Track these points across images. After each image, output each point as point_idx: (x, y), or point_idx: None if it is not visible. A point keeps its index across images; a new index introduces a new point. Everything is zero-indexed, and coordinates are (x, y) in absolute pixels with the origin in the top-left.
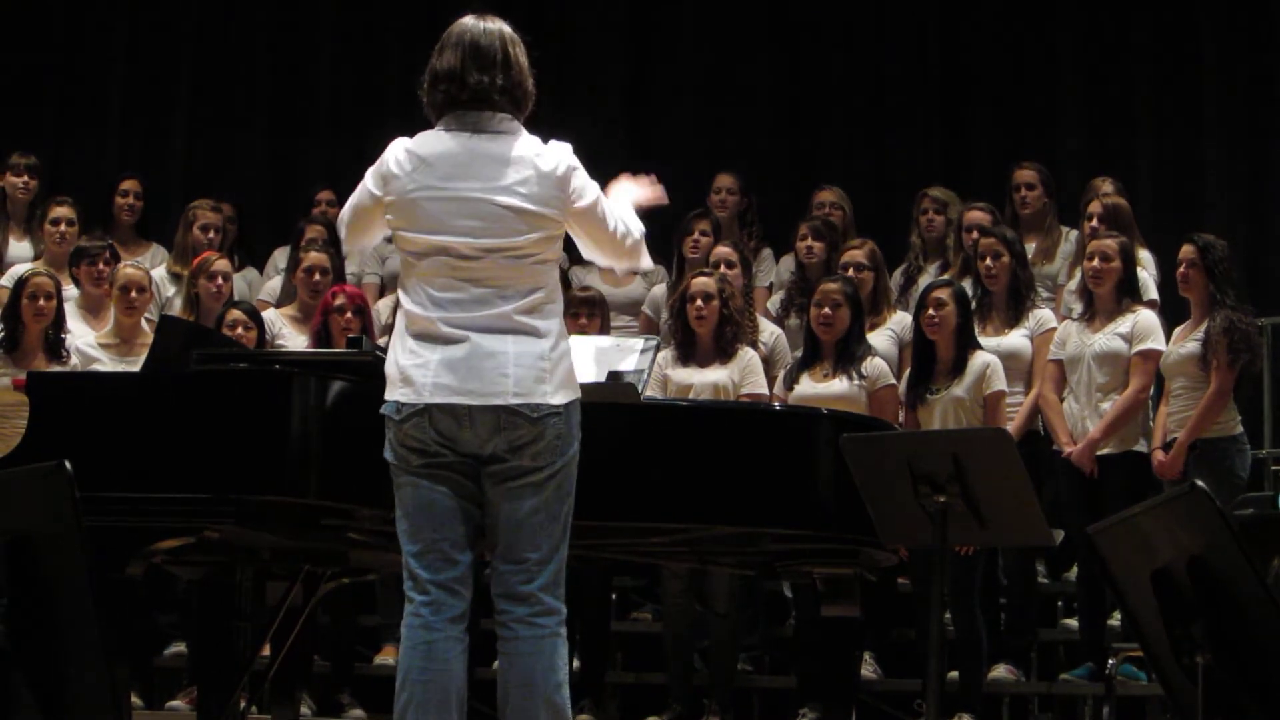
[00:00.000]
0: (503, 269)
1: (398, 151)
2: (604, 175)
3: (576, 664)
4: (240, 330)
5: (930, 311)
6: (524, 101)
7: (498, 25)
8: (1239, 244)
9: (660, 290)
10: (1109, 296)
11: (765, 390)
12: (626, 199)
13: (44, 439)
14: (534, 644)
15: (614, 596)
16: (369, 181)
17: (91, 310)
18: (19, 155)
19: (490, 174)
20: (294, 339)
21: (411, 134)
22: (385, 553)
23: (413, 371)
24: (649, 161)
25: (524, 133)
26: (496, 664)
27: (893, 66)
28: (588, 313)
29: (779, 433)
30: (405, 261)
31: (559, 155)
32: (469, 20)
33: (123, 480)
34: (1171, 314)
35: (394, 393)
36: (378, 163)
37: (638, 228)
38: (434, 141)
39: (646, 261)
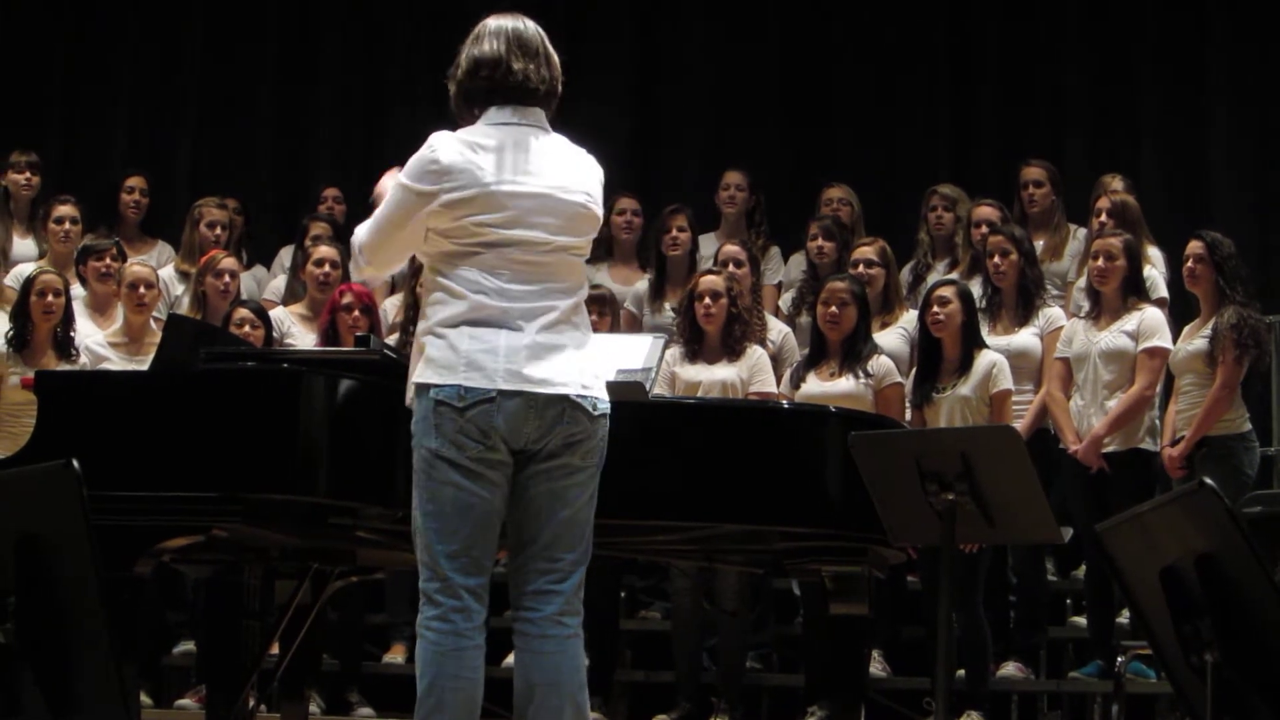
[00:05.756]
0: (565, 266)
1: (455, 144)
2: (613, 172)
3: (585, 662)
4: (247, 329)
5: (935, 310)
6: (554, 101)
7: (534, 24)
8: (1248, 241)
9: (642, 286)
10: (1114, 295)
11: (773, 388)
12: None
13: (52, 438)
14: (560, 643)
15: (623, 595)
16: (412, 182)
17: (99, 309)
18: (20, 153)
19: (556, 171)
20: (304, 337)
21: (417, 131)
22: (394, 551)
23: (480, 357)
24: (657, 158)
25: (557, 134)
26: (507, 662)
27: (901, 63)
28: (598, 310)
29: (787, 431)
30: (464, 251)
31: (592, 160)
32: (503, 15)
33: (131, 479)
34: (1182, 312)
35: (453, 378)
36: (418, 163)
37: None
38: (494, 134)
39: None
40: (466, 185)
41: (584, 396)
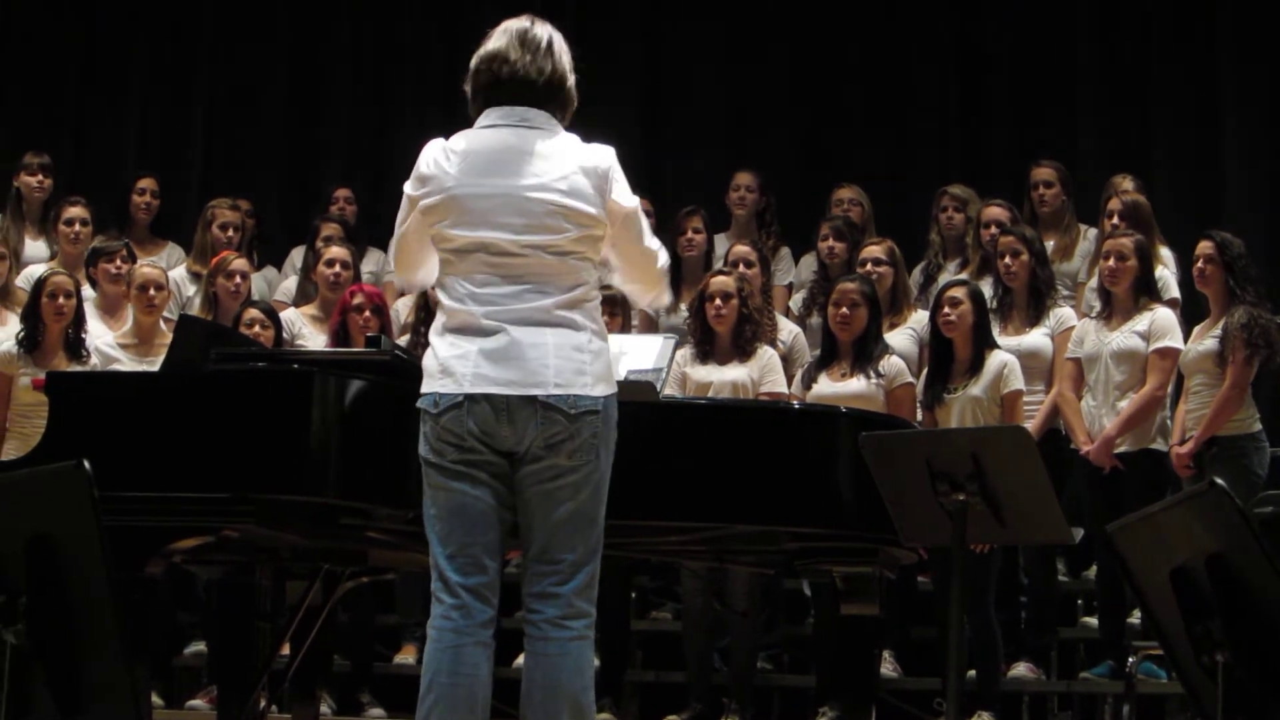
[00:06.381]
0: (545, 265)
1: (434, 151)
2: (624, 173)
3: (596, 663)
4: (257, 329)
5: (946, 310)
6: (564, 100)
7: (549, 26)
8: (1258, 241)
9: None
10: (1126, 295)
11: (784, 389)
12: None
13: (63, 438)
14: (562, 645)
15: (633, 595)
16: (406, 189)
17: (109, 310)
18: (33, 154)
19: (532, 170)
20: (314, 338)
21: (428, 130)
22: (404, 552)
23: (453, 363)
24: (668, 159)
25: (562, 130)
26: (517, 662)
27: (911, 64)
28: (609, 310)
29: (798, 431)
30: (444, 259)
31: (601, 154)
32: (520, 18)
33: (142, 479)
34: (1194, 313)
35: (432, 385)
36: (413, 171)
37: (666, 258)
38: (475, 137)
39: (668, 295)
40: (434, 191)
41: (558, 396)
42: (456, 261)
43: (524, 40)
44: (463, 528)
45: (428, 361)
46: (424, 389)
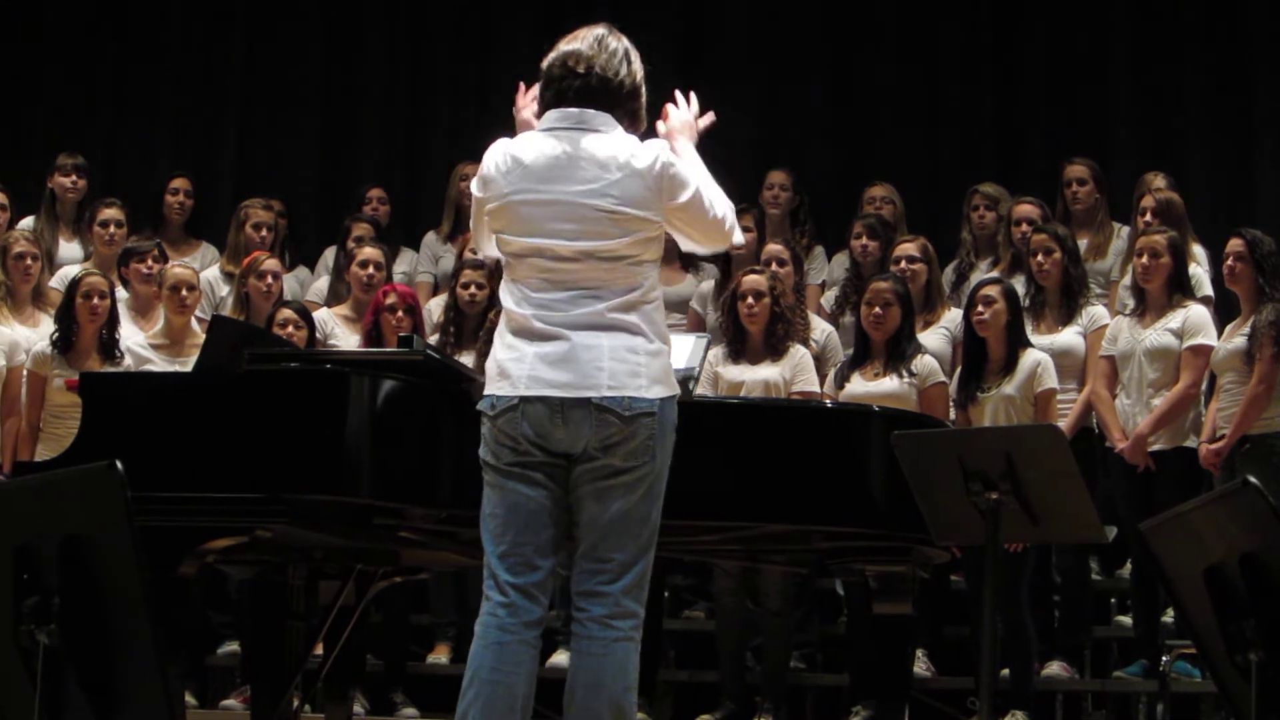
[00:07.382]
0: (599, 271)
1: (496, 155)
2: None
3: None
4: (291, 329)
5: (980, 309)
6: (633, 110)
7: (625, 39)
8: None
9: (708, 286)
10: (1159, 292)
11: (816, 388)
12: (688, 140)
13: (96, 439)
14: (606, 645)
15: (666, 595)
16: (473, 187)
17: (140, 311)
18: (66, 156)
19: (586, 176)
20: (347, 339)
21: (460, 130)
22: (437, 551)
23: (510, 366)
24: (701, 158)
25: (621, 133)
26: (552, 660)
27: (944, 62)
28: None
29: (831, 430)
30: (506, 263)
31: (653, 153)
32: (595, 25)
33: (175, 480)
34: (1227, 310)
35: (490, 387)
36: (480, 167)
37: (728, 205)
38: (533, 143)
39: (739, 236)
40: (493, 198)
41: (612, 398)
42: (515, 265)
43: (599, 45)
44: (515, 527)
45: (489, 365)
46: (485, 391)
